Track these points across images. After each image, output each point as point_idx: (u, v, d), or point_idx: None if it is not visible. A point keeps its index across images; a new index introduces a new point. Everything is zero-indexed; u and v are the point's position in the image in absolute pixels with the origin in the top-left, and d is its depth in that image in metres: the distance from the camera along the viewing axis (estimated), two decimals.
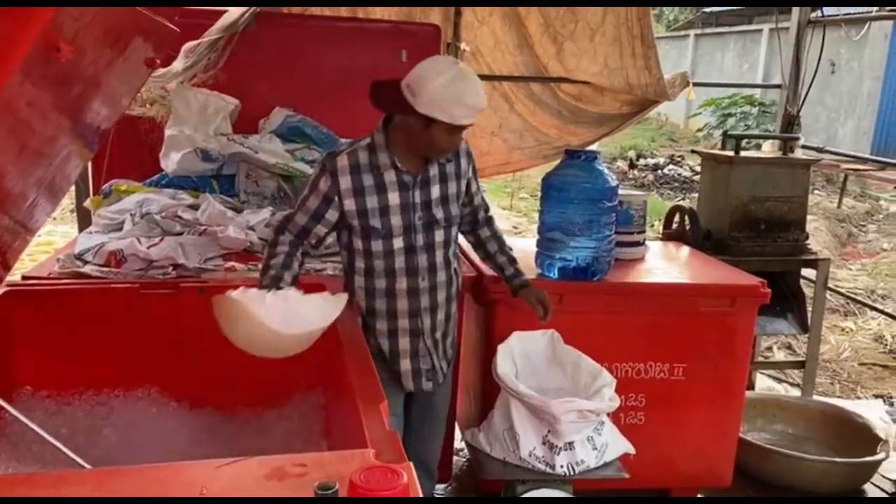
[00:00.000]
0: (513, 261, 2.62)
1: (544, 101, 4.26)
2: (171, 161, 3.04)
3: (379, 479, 1.11)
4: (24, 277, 2.45)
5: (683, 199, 10.39)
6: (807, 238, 4.00)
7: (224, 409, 2.37)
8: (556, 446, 2.42)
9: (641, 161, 12.72)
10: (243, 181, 3.13)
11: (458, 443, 3.36)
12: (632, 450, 2.57)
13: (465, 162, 2.45)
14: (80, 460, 1.68)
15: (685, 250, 3.60)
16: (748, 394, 3.52)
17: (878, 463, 3.31)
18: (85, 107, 1.81)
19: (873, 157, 5.67)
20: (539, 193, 3.05)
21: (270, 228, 2.38)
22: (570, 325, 2.69)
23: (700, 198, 4.26)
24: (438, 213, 2.37)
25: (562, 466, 2.42)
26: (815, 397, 4.24)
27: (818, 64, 4.23)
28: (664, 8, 23.06)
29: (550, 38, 4.09)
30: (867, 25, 6.75)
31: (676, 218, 4.05)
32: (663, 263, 3.31)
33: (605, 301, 2.91)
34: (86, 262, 2.51)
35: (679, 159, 12.61)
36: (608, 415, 2.57)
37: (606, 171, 2.92)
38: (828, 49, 4.39)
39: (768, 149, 4.29)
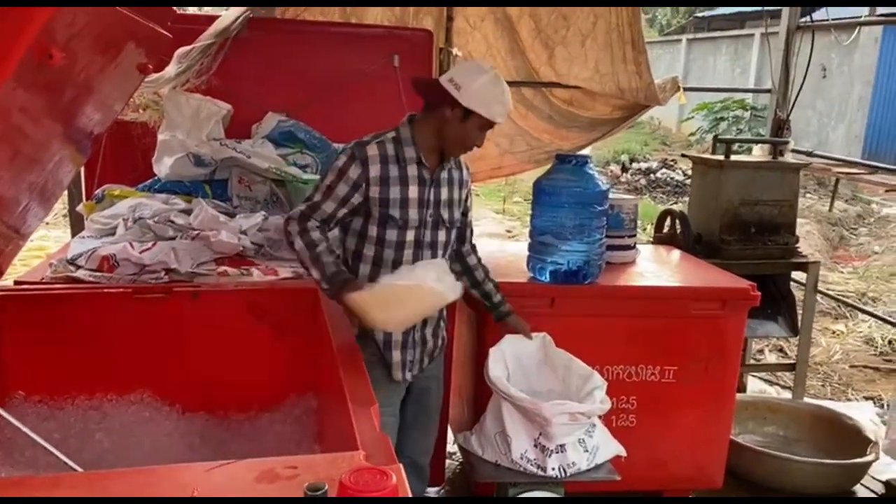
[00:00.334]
0: (498, 288, 2.70)
1: (536, 106, 4.28)
2: (163, 166, 3.04)
3: (368, 481, 1.12)
4: (16, 282, 2.45)
5: (676, 202, 10.43)
6: (797, 241, 4.03)
7: (217, 413, 2.37)
8: (548, 449, 2.43)
9: (634, 165, 12.77)
10: (236, 186, 3.14)
11: (451, 446, 3.37)
12: (623, 452, 2.58)
13: (467, 174, 2.58)
14: (72, 463, 1.68)
15: (676, 254, 3.63)
16: (739, 396, 3.54)
17: (868, 464, 3.34)
18: (77, 112, 1.82)
19: (863, 161, 5.72)
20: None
21: (288, 221, 2.33)
22: (562, 328, 2.71)
23: (691, 202, 4.29)
24: (445, 214, 2.47)
25: (553, 469, 2.44)
26: (806, 399, 4.26)
27: (807, 69, 4.26)
28: (657, 13, 23.19)
29: (542, 44, 4.11)
30: (857, 30, 6.80)
31: (668, 222, 4.08)
32: (654, 267, 3.33)
33: (596, 304, 2.94)
34: (78, 267, 2.51)
35: (672, 163, 12.67)
36: (600, 417, 2.58)
37: (597, 175, 2.94)
38: (819, 54, 4.43)
39: (759, 153, 4.31)
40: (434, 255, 2.46)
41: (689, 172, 6.11)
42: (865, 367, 5.54)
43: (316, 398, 2.33)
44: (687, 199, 4.80)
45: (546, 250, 2.91)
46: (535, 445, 2.46)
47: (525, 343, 2.65)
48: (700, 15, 20.40)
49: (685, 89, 4.53)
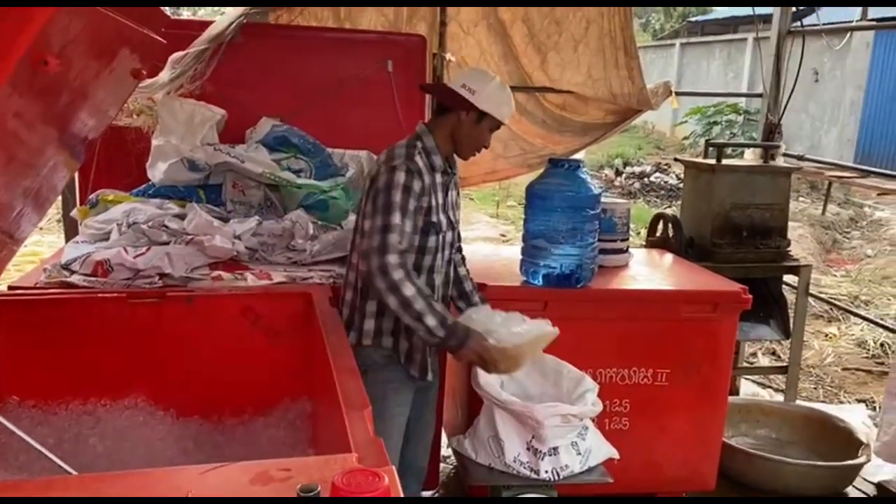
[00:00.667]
0: (476, 289, 2.77)
1: (529, 111, 4.30)
2: (157, 171, 3.05)
3: (360, 482, 1.13)
4: (10, 287, 2.45)
5: (670, 206, 10.46)
6: (788, 245, 4.05)
7: (211, 417, 2.38)
8: (541, 451, 2.44)
9: (628, 169, 12.81)
10: (230, 191, 3.15)
11: (445, 450, 3.38)
12: (616, 455, 2.59)
13: (457, 178, 2.66)
14: (66, 466, 1.69)
15: (668, 257, 3.65)
16: (732, 399, 3.55)
17: (860, 466, 3.36)
18: (72, 118, 1.83)
19: (854, 165, 5.75)
20: None
21: (384, 269, 2.22)
22: None
23: (683, 205, 4.31)
24: (454, 216, 2.59)
25: (546, 472, 2.45)
26: (799, 402, 4.29)
27: (798, 73, 4.29)
28: (651, 17, 23.30)
29: (535, 49, 4.13)
30: (848, 35, 6.84)
31: (660, 225, 4.10)
32: (647, 270, 3.35)
33: (589, 308, 2.95)
34: (72, 272, 2.51)
35: (665, 167, 12.71)
36: (593, 420, 2.60)
37: (590, 179, 2.96)
38: (811, 58, 4.46)
39: (750, 157, 4.34)
40: (447, 256, 2.57)
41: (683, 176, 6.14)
42: (858, 369, 5.57)
43: (310, 402, 2.34)
44: (680, 202, 4.82)
45: (539, 254, 2.92)
46: (528, 449, 2.47)
47: None
48: (693, 19, 20.51)
49: (678, 93, 4.57)
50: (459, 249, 2.75)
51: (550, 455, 2.45)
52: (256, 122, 3.31)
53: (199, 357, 2.38)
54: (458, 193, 2.66)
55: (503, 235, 8.96)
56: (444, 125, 2.47)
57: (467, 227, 8.13)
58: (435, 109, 2.57)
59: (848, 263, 8.46)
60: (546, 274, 2.91)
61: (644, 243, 4.23)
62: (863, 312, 5.94)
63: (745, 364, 4.79)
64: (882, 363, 5.62)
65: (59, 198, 3.53)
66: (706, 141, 4.38)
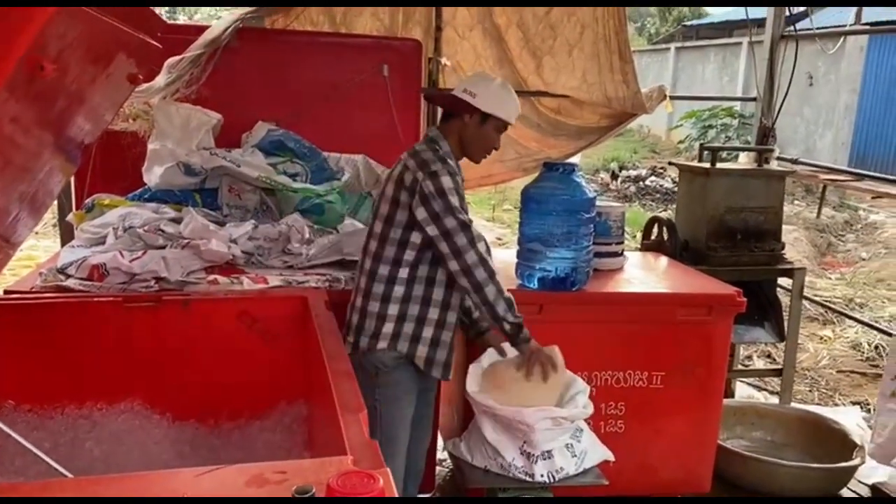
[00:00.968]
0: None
1: (524, 115, 4.30)
2: (153, 175, 3.06)
3: (355, 484, 1.14)
4: (6, 292, 2.46)
5: (665, 210, 10.49)
6: (783, 248, 4.07)
7: (207, 421, 2.39)
8: (534, 455, 2.45)
9: (624, 173, 12.83)
10: (226, 195, 3.15)
11: (441, 453, 3.38)
12: (611, 457, 2.60)
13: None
14: (62, 470, 1.69)
15: (663, 260, 3.66)
16: (727, 401, 3.57)
17: (855, 468, 3.37)
18: (68, 122, 1.83)
19: (848, 169, 5.77)
20: None
21: (463, 227, 2.39)
22: (550, 335, 2.72)
23: (678, 209, 4.32)
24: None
25: (542, 475, 2.45)
26: (794, 404, 4.30)
27: (791, 77, 4.31)
28: (646, 22, 23.37)
29: (530, 53, 4.15)
30: (842, 39, 6.87)
31: (655, 229, 4.11)
32: (641, 273, 3.36)
33: (584, 311, 2.96)
34: (68, 276, 2.52)
35: (661, 171, 12.74)
36: (588, 423, 2.61)
37: (584, 182, 2.97)
38: (806, 62, 4.48)
39: (745, 160, 4.36)
40: None
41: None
42: (852, 372, 5.58)
43: (306, 406, 2.35)
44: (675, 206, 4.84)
45: (534, 257, 2.93)
46: (522, 453, 2.47)
47: (508, 353, 2.67)
48: (688, 23, 20.58)
49: (673, 97, 4.59)
50: None
51: (544, 458, 2.46)
52: (252, 127, 3.32)
53: (196, 361, 2.39)
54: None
55: (499, 239, 8.97)
56: (452, 130, 2.53)
57: None
58: (442, 115, 2.62)
59: (842, 266, 8.48)
60: (541, 277, 2.92)
61: (639, 247, 4.25)
62: (857, 315, 5.96)
63: (740, 367, 4.80)
64: (876, 366, 5.63)
65: (55, 202, 3.53)
66: (701, 144, 4.40)
